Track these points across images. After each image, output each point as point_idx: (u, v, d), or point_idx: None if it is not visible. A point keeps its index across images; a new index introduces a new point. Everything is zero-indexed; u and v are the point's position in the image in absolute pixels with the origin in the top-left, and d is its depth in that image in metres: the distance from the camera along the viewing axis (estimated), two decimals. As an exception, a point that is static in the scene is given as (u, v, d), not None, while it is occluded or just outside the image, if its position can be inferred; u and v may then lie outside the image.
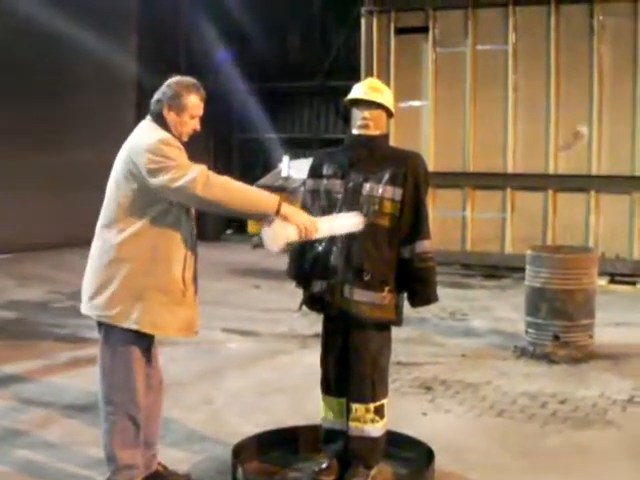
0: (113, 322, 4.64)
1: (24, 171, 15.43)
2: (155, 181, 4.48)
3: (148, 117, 4.80)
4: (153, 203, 4.59)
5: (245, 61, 18.93)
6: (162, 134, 4.64)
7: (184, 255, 4.70)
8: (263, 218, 4.61)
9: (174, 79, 4.79)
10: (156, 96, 4.78)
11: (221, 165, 21.52)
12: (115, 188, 4.69)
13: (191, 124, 4.77)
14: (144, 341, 4.78)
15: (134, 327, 4.62)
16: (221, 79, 18.31)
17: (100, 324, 4.79)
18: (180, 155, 4.57)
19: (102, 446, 4.86)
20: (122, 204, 4.62)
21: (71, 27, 14.64)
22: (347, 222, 4.87)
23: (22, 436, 5.99)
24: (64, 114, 16.17)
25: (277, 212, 4.53)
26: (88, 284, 4.77)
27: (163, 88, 4.77)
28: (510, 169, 14.08)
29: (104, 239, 4.69)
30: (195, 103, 4.74)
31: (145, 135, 4.66)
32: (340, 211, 5.01)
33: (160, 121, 4.73)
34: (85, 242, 4.83)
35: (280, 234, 4.60)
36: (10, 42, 15.03)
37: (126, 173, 4.62)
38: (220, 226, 18.94)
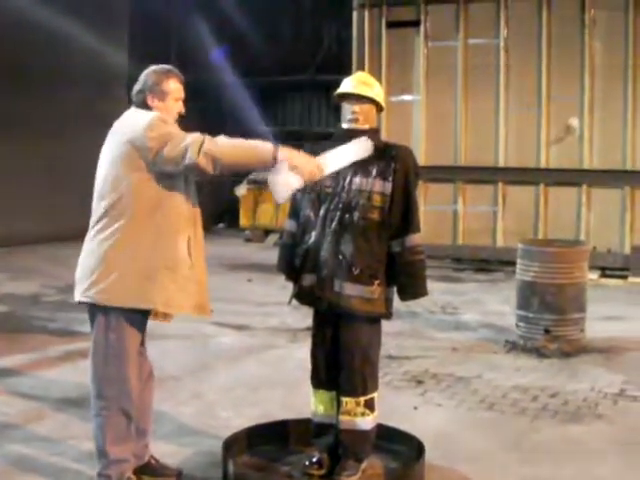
0: (120, 304, 4.59)
1: (17, 164, 15.43)
2: (157, 158, 4.51)
3: (133, 108, 4.83)
4: (156, 181, 4.59)
5: (237, 55, 18.91)
6: (155, 112, 4.70)
7: (188, 234, 4.71)
8: (265, 167, 4.61)
9: (150, 69, 4.87)
10: (136, 87, 4.83)
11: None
12: (109, 173, 4.65)
13: (176, 107, 4.83)
14: (139, 329, 4.77)
15: (149, 306, 4.61)
16: (213, 73, 18.30)
17: (94, 315, 4.73)
18: (175, 129, 4.64)
19: (93, 440, 4.86)
20: (122, 187, 4.59)
21: (63, 20, 14.61)
22: (353, 149, 4.87)
23: (13, 430, 5.98)
24: (56, 107, 16.16)
25: (275, 158, 4.53)
26: (88, 270, 4.66)
27: (142, 79, 4.83)
28: (502, 163, 14.13)
29: (105, 223, 4.63)
30: (176, 87, 4.83)
31: (139, 118, 4.66)
32: (330, 205, 5.02)
33: (146, 110, 4.76)
34: (80, 236, 4.79)
35: (284, 183, 4.60)
36: (1, 36, 14.99)
37: (124, 156, 4.60)
38: (212, 219, 18.95)
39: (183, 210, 4.71)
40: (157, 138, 4.51)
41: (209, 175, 4.57)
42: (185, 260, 4.69)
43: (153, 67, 4.88)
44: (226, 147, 4.53)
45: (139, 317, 4.74)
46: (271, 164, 4.55)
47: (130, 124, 4.67)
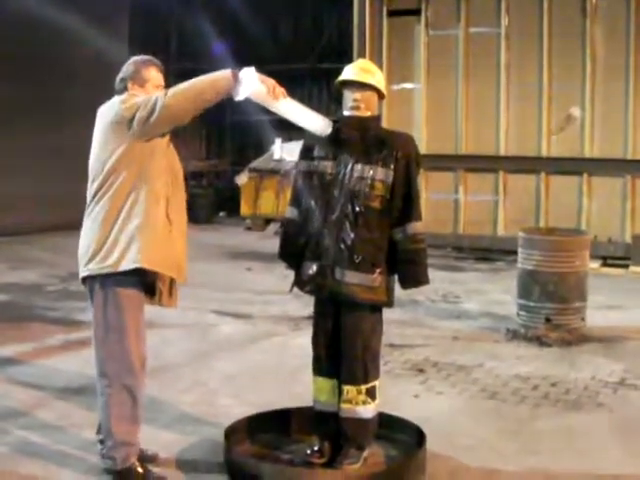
0: (113, 270, 4.70)
1: (18, 155, 15.41)
2: (135, 123, 4.69)
3: (115, 97, 4.97)
4: (138, 154, 4.76)
5: (237, 44, 18.87)
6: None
7: (167, 196, 4.84)
8: (230, 89, 4.76)
9: (131, 59, 5.09)
10: (119, 77, 5.03)
11: (214, 147, 21.59)
12: (98, 156, 4.85)
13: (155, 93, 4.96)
14: (137, 302, 4.84)
15: (133, 266, 4.68)
16: (213, 62, 18.26)
17: (92, 291, 4.84)
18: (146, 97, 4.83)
19: (99, 424, 4.93)
20: (108, 165, 4.77)
21: (62, 13, 14.56)
22: (315, 118, 5.06)
23: (16, 418, 5.98)
24: (58, 98, 16.13)
25: (235, 76, 4.72)
26: (85, 246, 4.84)
27: (123, 68, 5.04)
28: (503, 152, 14.10)
29: (97, 202, 4.81)
30: (154, 75, 5.04)
31: (116, 101, 4.88)
32: (332, 193, 5.03)
33: None
34: (81, 225, 4.88)
35: (249, 82, 4.74)
36: (4, 29, 14.96)
37: (108, 136, 4.80)
38: (212, 209, 18.94)
39: (162, 179, 4.84)
40: (130, 107, 4.73)
41: (186, 115, 4.76)
42: (164, 223, 4.82)
43: (134, 58, 5.10)
44: (186, 84, 4.74)
45: (136, 290, 4.83)
46: (235, 83, 4.73)
47: (110, 107, 4.88)
